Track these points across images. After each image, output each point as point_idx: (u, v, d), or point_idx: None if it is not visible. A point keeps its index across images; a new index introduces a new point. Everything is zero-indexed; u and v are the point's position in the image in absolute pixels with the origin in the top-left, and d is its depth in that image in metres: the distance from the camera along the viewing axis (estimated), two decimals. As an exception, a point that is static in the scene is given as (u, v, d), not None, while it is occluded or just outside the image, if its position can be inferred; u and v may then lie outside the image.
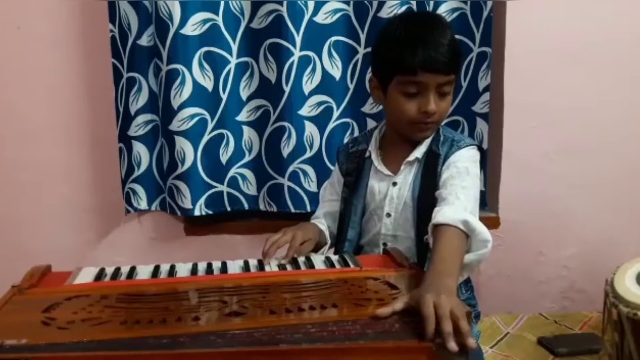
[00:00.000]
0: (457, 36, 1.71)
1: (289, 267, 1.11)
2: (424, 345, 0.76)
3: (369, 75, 1.73)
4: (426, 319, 0.77)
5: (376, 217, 1.28)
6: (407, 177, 1.24)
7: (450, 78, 1.17)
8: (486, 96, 1.81)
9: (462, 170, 1.16)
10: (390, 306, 0.82)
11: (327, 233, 1.35)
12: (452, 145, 1.22)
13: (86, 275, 1.03)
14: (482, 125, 1.84)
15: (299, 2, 1.67)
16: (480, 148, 1.25)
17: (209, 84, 1.70)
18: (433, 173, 1.20)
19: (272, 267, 1.10)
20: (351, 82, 1.78)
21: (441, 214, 1.05)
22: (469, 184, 1.14)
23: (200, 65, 1.68)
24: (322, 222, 1.37)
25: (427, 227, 1.10)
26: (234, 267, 1.09)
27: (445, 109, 1.20)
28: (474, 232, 1.03)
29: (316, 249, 1.29)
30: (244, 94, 1.76)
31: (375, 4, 1.71)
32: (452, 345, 0.74)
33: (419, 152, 1.23)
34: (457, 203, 1.09)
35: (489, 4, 1.75)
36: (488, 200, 1.91)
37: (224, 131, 1.75)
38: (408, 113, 1.18)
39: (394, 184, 1.24)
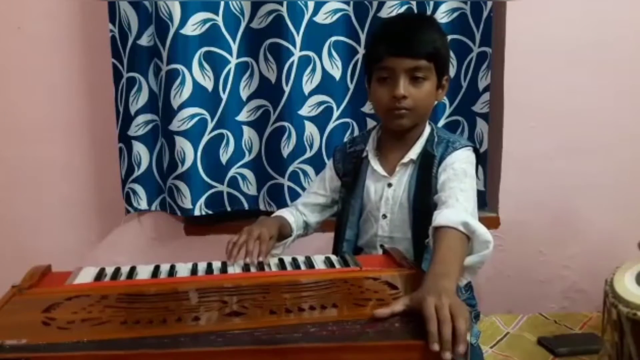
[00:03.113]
0: (457, 36, 1.75)
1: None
2: (421, 344, 0.76)
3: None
4: (428, 322, 0.77)
5: (373, 219, 1.28)
6: (402, 179, 1.24)
7: (419, 63, 1.16)
8: (486, 96, 1.81)
9: (460, 172, 1.17)
10: (389, 307, 0.83)
11: (294, 224, 1.34)
12: (447, 146, 1.22)
13: (86, 275, 1.03)
14: (482, 125, 1.84)
15: (299, 2, 1.67)
16: (475, 149, 1.25)
17: (209, 84, 1.70)
18: (428, 174, 1.21)
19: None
20: (351, 82, 1.78)
21: (441, 217, 1.05)
22: (467, 186, 1.15)
23: (200, 65, 1.68)
24: (292, 211, 1.37)
25: (423, 228, 1.10)
26: (234, 267, 1.09)
27: (420, 96, 1.19)
28: (474, 233, 1.03)
29: (280, 239, 1.28)
30: (244, 94, 1.76)
31: (375, 4, 1.71)
32: (447, 355, 0.74)
33: (413, 153, 1.24)
34: (457, 205, 1.09)
35: (489, 4, 1.75)
36: (488, 200, 1.91)
37: (224, 131, 1.75)
38: (381, 99, 1.20)
39: (389, 185, 1.25)
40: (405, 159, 1.24)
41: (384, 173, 1.26)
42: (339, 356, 0.76)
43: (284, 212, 1.36)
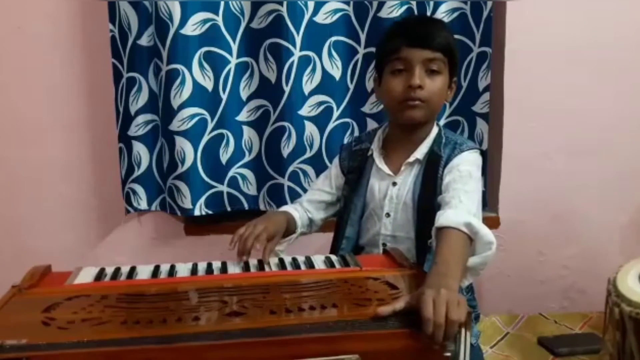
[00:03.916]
0: (457, 36, 1.74)
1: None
2: (415, 332, 0.78)
3: (369, 75, 1.75)
4: (423, 308, 0.78)
5: (376, 217, 1.28)
6: (407, 178, 1.24)
7: (436, 55, 1.18)
8: (486, 96, 1.81)
9: (465, 174, 1.17)
10: (391, 305, 0.83)
11: (299, 221, 1.34)
12: (454, 148, 1.22)
13: (86, 275, 1.03)
14: (482, 125, 1.84)
15: (299, 2, 1.67)
16: (482, 152, 1.25)
17: (209, 84, 1.70)
18: (434, 175, 1.21)
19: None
20: (351, 82, 1.78)
21: (444, 217, 1.05)
22: (471, 188, 1.15)
23: (200, 65, 1.68)
24: (298, 208, 1.37)
25: (427, 228, 1.10)
26: (234, 267, 1.09)
27: (435, 89, 1.20)
28: (477, 234, 1.02)
29: (285, 235, 1.28)
30: (244, 94, 1.76)
31: (375, 4, 1.71)
32: (439, 338, 0.76)
33: (419, 153, 1.24)
34: (461, 206, 1.09)
35: (489, 4, 1.75)
36: (488, 200, 1.91)
37: (224, 131, 1.75)
38: (395, 91, 1.20)
39: (394, 184, 1.25)
40: (411, 159, 1.24)
41: (389, 172, 1.26)
42: (335, 345, 0.76)
43: (289, 208, 1.36)
